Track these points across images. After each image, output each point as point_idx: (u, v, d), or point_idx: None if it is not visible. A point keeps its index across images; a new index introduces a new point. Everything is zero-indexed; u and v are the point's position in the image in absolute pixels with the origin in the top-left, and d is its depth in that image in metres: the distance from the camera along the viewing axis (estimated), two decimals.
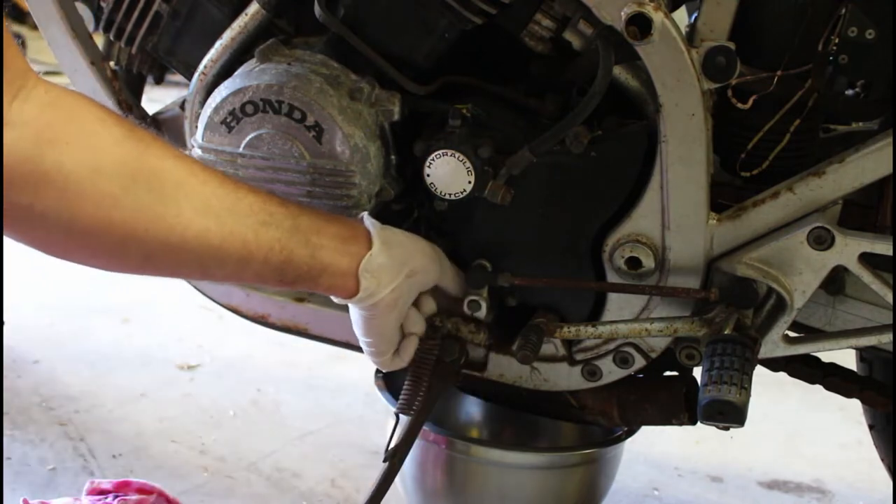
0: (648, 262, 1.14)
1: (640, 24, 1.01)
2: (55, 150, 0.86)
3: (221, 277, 1.03)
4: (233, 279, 1.07)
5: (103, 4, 1.23)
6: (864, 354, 1.37)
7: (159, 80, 1.33)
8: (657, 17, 1.01)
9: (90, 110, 0.91)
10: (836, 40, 1.12)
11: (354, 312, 1.14)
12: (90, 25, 1.28)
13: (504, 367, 1.25)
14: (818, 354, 1.24)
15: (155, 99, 1.48)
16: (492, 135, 1.12)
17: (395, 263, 1.09)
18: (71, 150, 0.87)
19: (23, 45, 3.73)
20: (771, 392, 1.61)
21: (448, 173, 1.11)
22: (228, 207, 0.97)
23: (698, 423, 1.12)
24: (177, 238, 0.94)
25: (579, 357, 1.23)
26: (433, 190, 1.13)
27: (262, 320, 1.34)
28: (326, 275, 1.06)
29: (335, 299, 1.12)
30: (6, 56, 0.84)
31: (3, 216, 0.86)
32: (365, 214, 1.11)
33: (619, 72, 1.10)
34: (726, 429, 1.10)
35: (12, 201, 0.85)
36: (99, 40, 1.29)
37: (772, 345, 1.14)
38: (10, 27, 0.85)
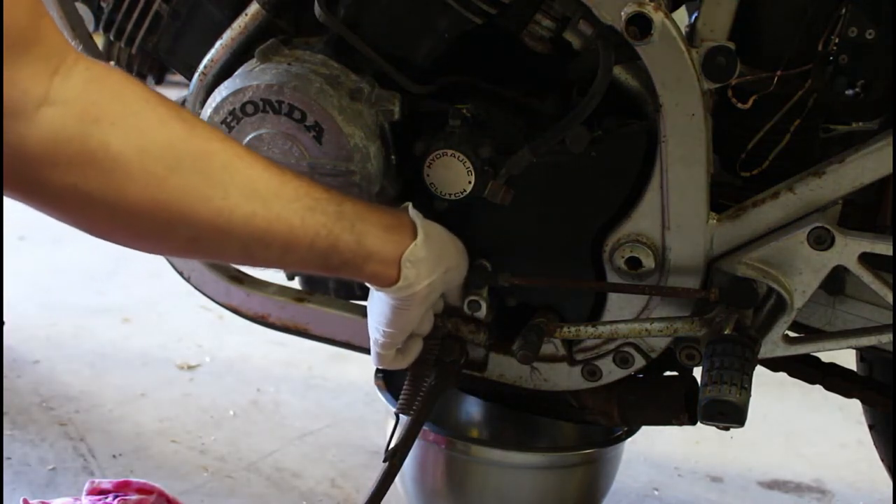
0: (648, 262, 1.14)
1: (640, 24, 1.01)
2: (101, 130, 0.85)
3: (265, 262, 1.03)
4: (276, 264, 1.05)
5: (103, 4, 1.22)
6: (864, 354, 1.37)
7: (159, 80, 1.33)
8: (657, 17, 1.01)
9: (134, 89, 0.90)
10: (836, 40, 1.12)
11: (382, 303, 1.13)
12: (90, 25, 1.28)
13: (504, 367, 1.25)
14: (818, 354, 1.24)
15: None
16: (492, 135, 1.12)
17: (435, 257, 1.09)
18: (117, 130, 0.86)
19: None
20: (771, 392, 1.61)
21: (448, 173, 1.11)
22: (275, 191, 0.97)
23: (698, 423, 1.12)
24: (223, 221, 0.93)
25: (579, 357, 1.23)
26: (433, 190, 1.13)
27: (262, 320, 1.34)
28: (371, 262, 1.05)
29: (373, 287, 1.12)
30: (44, 28, 0.82)
31: (49, 196, 0.85)
32: (409, 204, 1.11)
33: (619, 72, 1.10)
34: (726, 429, 1.10)
35: (57, 182, 0.84)
36: (99, 40, 1.29)
37: (772, 345, 1.14)
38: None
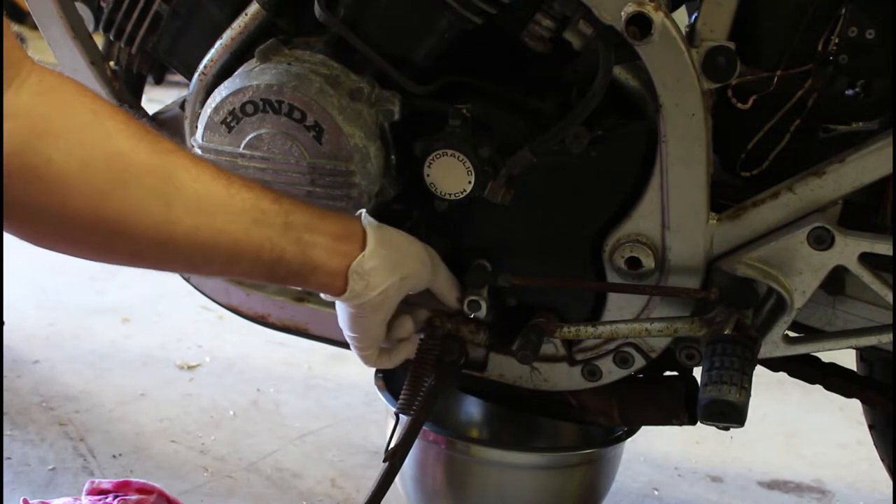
0: (648, 262, 1.14)
1: (640, 24, 1.01)
2: (45, 144, 0.85)
3: (209, 273, 1.04)
4: (222, 274, 1.06)
5: (103, 4, 1.22)
6: (864, 354, 1.37)
7: (159, 80, 1.33)
8: (657, 17, 1.01)
9: (83, 101, 0.90)
10: (836, 40, 1.12)
11: (341, 308, 1.14)
12: (90, 25, 1.28)
13: (504, 367, 1.25)
14: (818, 354, 1.24)
15: (155, 99, 1.48)
16: (492, 135, 1.12)
17: (387, 266, 1.08)
18: (61, 144, 0.86)
19: (22, 44, 3.72)
20: (771, 392, 1.61)
21: (448, 173, 1.11)
22: (220, 204, 0.96)
23: (698, 423, 1.12)
24: (165, 235, 0.93)
25: (579, 357, 1.23)
26: (433, 190, 1.13)
27: (262, 320, 1.34)
28: (317, 273, 1.05)
29: (323, 296, 1.12)
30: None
31: None
32: (363, 212, 1.11)
33: (619, 72, 1.10)
34: (726, 429, 1.10)
35: (5, 195, 0.85)
36: (99, 40, 1.29)
37: (772, 345, 1.14)
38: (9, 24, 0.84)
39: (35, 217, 0.87)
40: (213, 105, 1.13)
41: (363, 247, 1.07)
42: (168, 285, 1.52)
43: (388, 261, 1.08)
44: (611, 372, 1.22)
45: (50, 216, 0.87)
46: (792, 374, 1.25)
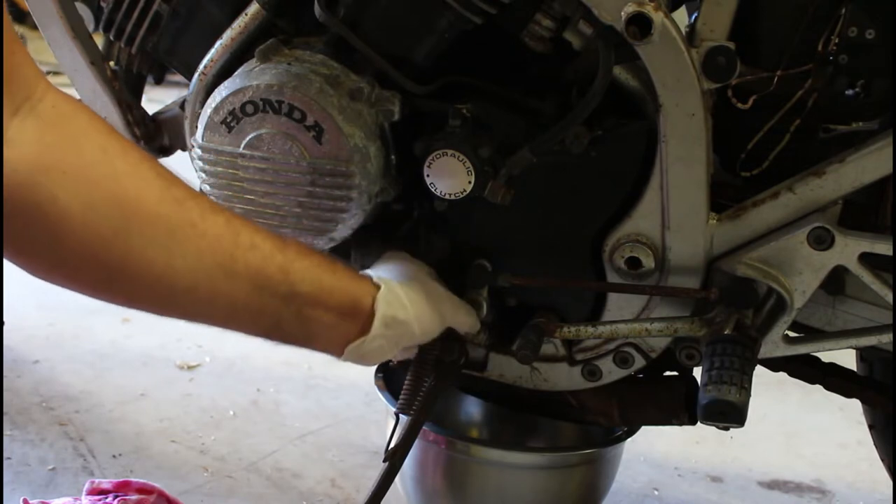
0: (648, 262, 1.14)
1: (640, 24, 1.01)
2: (50, 180, 0.81)
3: (206, 324, 0.99)
4: (221, 328, 1.03)
5: (103, 4, 1.22)
6: (864, 354, 1.37)
7: (159, 80, 1.33)
8: (657, 17, 1.01)
9: (95, 136, 0.86)
10: (836, 40, 1.12)
11: None
12: (90, 25, 1.28)
13: (504, 367, 1.25)
14: (818, 354, 1.24)
15: (155, 99, 1.48)
16: (492, 135, 1.12)
17: (388, 345, 1.06)
18: (67, 182, 0.82)
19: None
20: (771, 392, 1.61)
21: (448, 173, 1.11)
22: (222, 265, 0.92)
23: (698, 423, 1.12)
24: (165, 288, 0.91)
25: (579, 357, 1.23)
26: (433, 190, 1.13)
27: None
28: (314, 344, 1.03)
29: None
30: (11, 63, 0.79)
31: None
32: (380, 278, 1.07)
33: (619, 72, 1.10)
34: (726, 429, 1.10)
35: (6, 224, 0.82)
36: (99, 40, 1.29)
37: (772, 345, 1.14)
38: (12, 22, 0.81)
39: (33, 251, 0.85)
40: (213, 105, 1.13)
41: (367, 326, 1.03)
42: None
43: (390, 340, 1.06)
44: (611, 372, 1.22)
45: (49, 253, 0.85)
46: (792, 374, 1.25)
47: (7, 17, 0.79)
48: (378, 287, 1.06)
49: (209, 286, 0.92)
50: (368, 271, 1.11)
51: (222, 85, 1.13)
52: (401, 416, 1.22)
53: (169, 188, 0.90)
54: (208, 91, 1.16)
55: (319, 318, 1.00)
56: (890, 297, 1.10)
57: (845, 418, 1.88)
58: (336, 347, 1.04)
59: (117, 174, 0.86)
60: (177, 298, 0.93)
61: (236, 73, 1.14)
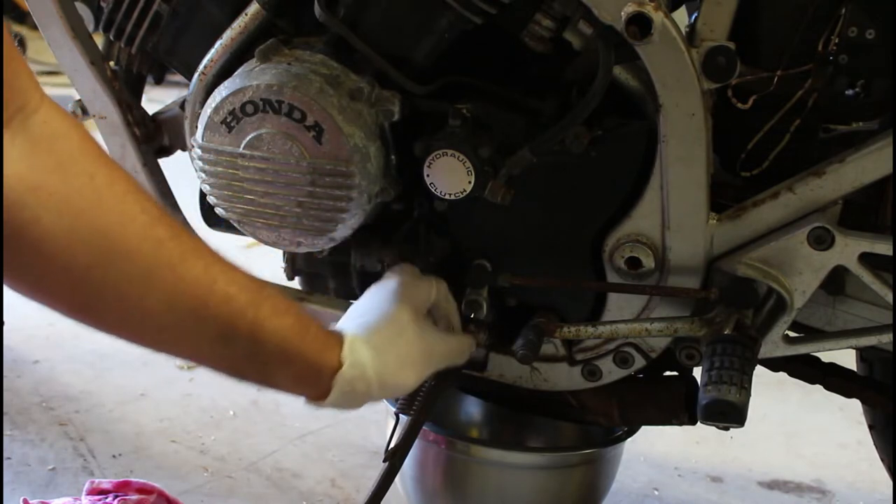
0: (648, 262, 1.14)
1: (640, 24, 1.01)
2: (37, 200, 0.80)
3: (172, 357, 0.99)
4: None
5: (103, 4, 1.22)
6: (864, 354, 1.37)
7: (159, 80, 1.33)
8: (657, 17, 1.01)
9: (84, 160, 0.84)
10: (836, 40, 1.12)
11: None
12: (90, 25, 1.28)
13: (504, 367, 1.25)
14: (818, 354, 1.24)
15: (155, 99, 1.48)
16: (492, 135, 1.12)
17: (349, 404, 1.04)
18: (52, 203, 0.81)
19: (22, 45, 3.73)
20: (771, 392, 1.61)
21: (448, 173, 1.11)
22: (192, 311, 0.91)
23: (698, 423, 1.12)
24: (133, 324, 0.90)
25: (579, 357, 1.23)
26: (433, 190, 1.13)
27: None
28: (276, 388, 1.02)
29: None
30: (5, 72, 0.77)
31: None
32: (354, 338, 1.03)
33: (619, 72, 1.10)
34: (726, 429, 1.10)
35: None
36: (99, 40, 1.29)
37: (772, 345, 1.14)
38: (11, 30, 0.79)
39: (13, 269, 0.83)
40: (213, 105, 1.13)
41: (326, 393, 1.01)
42: None
43: (352, 401, 1.03)
44: (611, 372, 1.22)
45: (28, 272, 0.83)
46: (792, 374, 1.25)
47: (6, 27, 0.77)
48: (346, 346, 1.03)
49: (177, 329, 0.92)
50: (345, 322, 1.08)
51: (222, 85, 1.13)
52: (401, 416, 1.22)
53: (152, 226, 0.88)
54: (208, 91, 1.16)
55: (280, 379, 1.00)
56: (890, 297, 1.10)
57: (845, 418, 1.88)
58: (297, 396, 1.04)
59: (101, 203, 0.84)
60: (146, 335, 0.93)
61: (236, 73, 1.14)
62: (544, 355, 1.22)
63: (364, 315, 1.08)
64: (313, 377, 1.01)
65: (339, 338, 1.03)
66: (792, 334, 1.16)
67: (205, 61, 1.18)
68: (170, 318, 0.90)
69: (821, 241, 1.08)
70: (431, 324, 1.14)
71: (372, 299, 1.12)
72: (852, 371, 1.30)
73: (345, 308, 1.30)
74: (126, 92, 1.31)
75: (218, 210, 1.18)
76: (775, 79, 1.13)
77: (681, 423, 1.25)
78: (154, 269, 0.88)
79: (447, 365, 1.14)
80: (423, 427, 1.23)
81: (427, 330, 1.11)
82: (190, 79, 1.20)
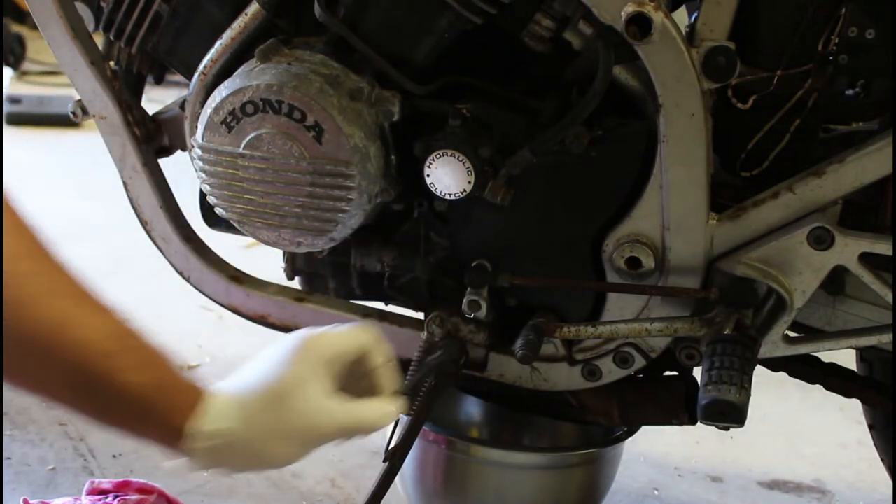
0: (648, 262, 1.14)
1: (640, 24, 1.01)
2: None
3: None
4: None
5: (103, 4, 1.22)
6: (864, 354, 1.37)
7: (159, 80, 1.33)
8: (657, 17, 1.01)
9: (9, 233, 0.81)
10: (836, 40, 1.12)
11: None
12: (90, 25, 1.28)
13: (504, 367, 1.25)
14: (818, 354, 1.24)
15: (155, 99, 1.48)
16: (492, 135, 1.12)
17: (221, 462, 0.94)
18: None
19: (22, 45, 3.73)
20: (771, 392, 1.61)
21: (448, 173, 1.11)
22: (44, 352, 0.85)
23: (698, 423, 1.12)
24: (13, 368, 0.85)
25: (579, 357, 1.23)
26: (433, 190, 1.13)
27: (262, 320, 1.34)
28: (145, 443, 0.95)
29: None
30: None
31: None
32: (215, 396, 0.94)
33: (619, 72, 1.10)
34: (726, 429, 1.10)
35: None
36: (99, 40, 1.29)
37: (772, 345, 1.14)
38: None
39: None
40: (213, 105, 1.13)
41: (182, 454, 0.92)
42: (168, 285, 1.52)
43: (219, 461, 0.94)
44: (611, 372, 1.22)
45: None
46: (792, 374, 1.25)
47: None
48: (208, 402, 0.94)
49: (36, 372, 0.87)
50: (225, 381, 0.98)
51: (222, 85, 1.13)
52: (401, 416, 1.22)
53: (17, 260, 0.83)
54: (208, 91, 1.16)
55: (142, 434, 0.94)
56: (890, 297, 1.10)
57: (845, 418, 1.88)
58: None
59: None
60: (9, 374, 0.86)
61: (236, 73, 1.14)
62: (544, 355, 1.22)
63: (248, 376, 1.00)
64: (173, 434, 0.92)
65: (205, 395, 0.94)
66: (792, 334, 1.16)
67: (205, 61, 1.18)
68: (27, 360, 0.86)
69: (821, 241, 1.08)
70: (338, 390, 0.95)
71: (263, 358, 1.02)
72: (852, 371, 1.30)
73: (345, 308, 1.30)
74: (126, 92, 1.30)
75: (218, 210, 1.18)
76: (775, 79, 1.13)
77: (681, 423, 1.25)
78: (10, 304, 0.83)
79: (354, 437, 0.99)
80: (423, 427, 1.23)
81: (322, 399, 0.94)
82: (190, 79, 1.20)
